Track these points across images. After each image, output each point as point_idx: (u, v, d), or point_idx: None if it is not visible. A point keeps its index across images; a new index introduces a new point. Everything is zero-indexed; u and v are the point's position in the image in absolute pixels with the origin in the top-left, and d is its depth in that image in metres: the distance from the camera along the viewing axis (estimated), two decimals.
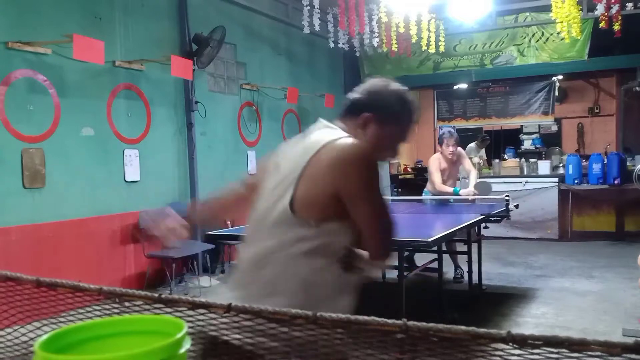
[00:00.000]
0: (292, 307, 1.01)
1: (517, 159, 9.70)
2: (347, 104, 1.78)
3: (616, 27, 7.20)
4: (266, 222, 1.63)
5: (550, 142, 11.40)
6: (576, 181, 8.30)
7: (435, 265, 4.45)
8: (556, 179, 8.52)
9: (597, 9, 7.31)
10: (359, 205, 1.57)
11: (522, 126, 11.02)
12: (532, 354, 0.81)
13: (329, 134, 1.65)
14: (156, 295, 1.10)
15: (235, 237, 5.75)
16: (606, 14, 7.12)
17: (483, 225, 5.96)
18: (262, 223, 1.65)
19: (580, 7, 6.92)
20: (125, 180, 5.74)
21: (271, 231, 1.61)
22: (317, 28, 7.22)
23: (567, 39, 7.40)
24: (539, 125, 11.10)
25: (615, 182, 8.00)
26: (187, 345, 0.83)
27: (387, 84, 1.79)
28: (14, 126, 4.68)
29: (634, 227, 8.09)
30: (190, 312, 1.05)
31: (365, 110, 1.72)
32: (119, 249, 5.62)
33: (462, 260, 5.84)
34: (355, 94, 1.78)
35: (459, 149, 6.22)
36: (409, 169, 12.75)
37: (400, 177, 11.96)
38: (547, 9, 7.54)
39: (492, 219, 5.33)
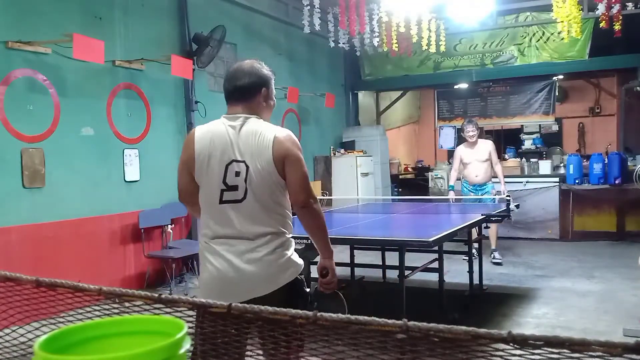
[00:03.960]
0: None
1: (518, 159, 9.70)
2: (244, 89, 2.18)
3: (617, 27, 7.20)
4: None
5: (551, 142, 11.38)
6: (577, 181, 8.29)
7: (435, 265, 4.44)
8: (557, 179, 8.51)
9: (597, 9, 7.31)
10: None
11: (522, 126, 11.00)
12: (533, 354, 0.81)
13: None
14: (156, 295, 1.09)
15: None
16: (607, 13, 7.12)
17: (484, 225, 5.97)
18: None
19: (581, 7, 6.91)
20: (125, 180, 5.74)
21: None
22: (317, 28, 7.22)
23: (567, 38, 7.40)
24: (540, 125, 11.08)
25: (616, 182, 8.00)
26: (187, 345, 0.82)
27: (251, 61, 2.24)
28: (13, 126, 4.68)
29: (634, 227, 8.08)
30: (190, 312, 1.04)
31: (262, 86, 2.22)
32: (118, 249, 5.62)
33: (461, 260, 5.84)
34: (242, 80, 2.17)
35: (489, 141, 7.18)
36: (409, 169, 12.75)
37: (400, 177, 11.94)
38: (547, 8, 7.54)
39: (493, 219, 5.33)
